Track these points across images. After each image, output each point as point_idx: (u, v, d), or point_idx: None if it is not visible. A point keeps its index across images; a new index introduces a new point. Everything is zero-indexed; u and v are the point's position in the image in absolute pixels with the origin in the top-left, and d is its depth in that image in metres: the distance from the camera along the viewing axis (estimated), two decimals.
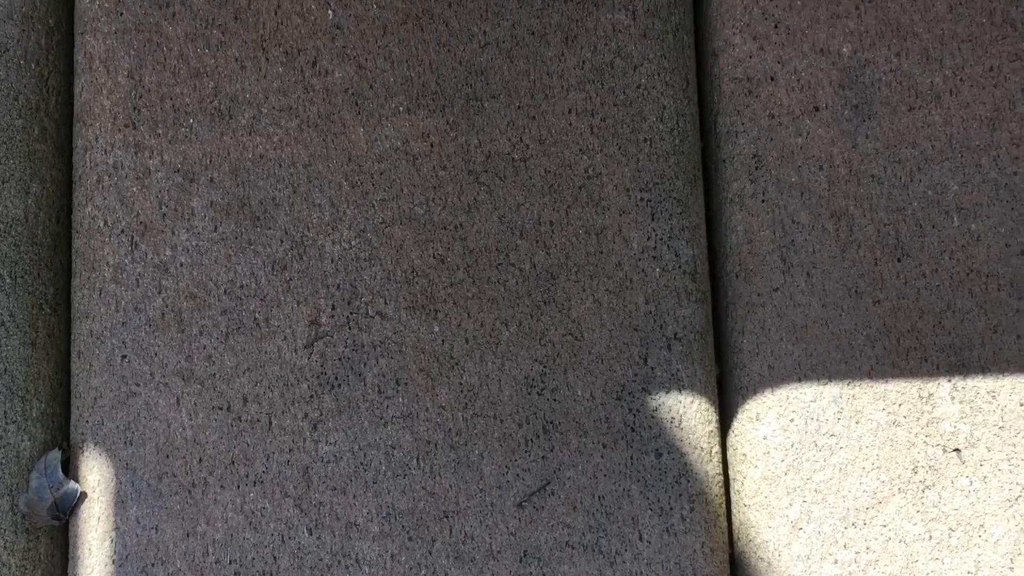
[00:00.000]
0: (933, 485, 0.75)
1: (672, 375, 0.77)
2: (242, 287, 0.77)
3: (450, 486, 0.75)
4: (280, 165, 0.78)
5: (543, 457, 0.75)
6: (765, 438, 0.76)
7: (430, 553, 0.74)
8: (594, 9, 0.80)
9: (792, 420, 0.76)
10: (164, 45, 0.79)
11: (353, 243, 0.77)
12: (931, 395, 0.76)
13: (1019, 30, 0.79)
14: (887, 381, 0.76)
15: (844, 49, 0.79)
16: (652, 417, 0.76)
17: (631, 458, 0.76)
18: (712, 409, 0.77)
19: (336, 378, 0.76)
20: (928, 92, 0.79)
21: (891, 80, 0.79)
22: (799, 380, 0.76)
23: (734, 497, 0.77)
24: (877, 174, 0.78)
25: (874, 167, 0.78)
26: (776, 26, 0.80)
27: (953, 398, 0.76)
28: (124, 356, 0.76)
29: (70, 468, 0.76)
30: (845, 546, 0.74)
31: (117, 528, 0.74)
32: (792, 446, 0.76)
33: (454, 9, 0.80)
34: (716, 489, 0.76)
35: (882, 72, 0.79)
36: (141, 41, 0.79)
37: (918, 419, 0.76)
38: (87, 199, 0.78)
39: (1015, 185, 0.78)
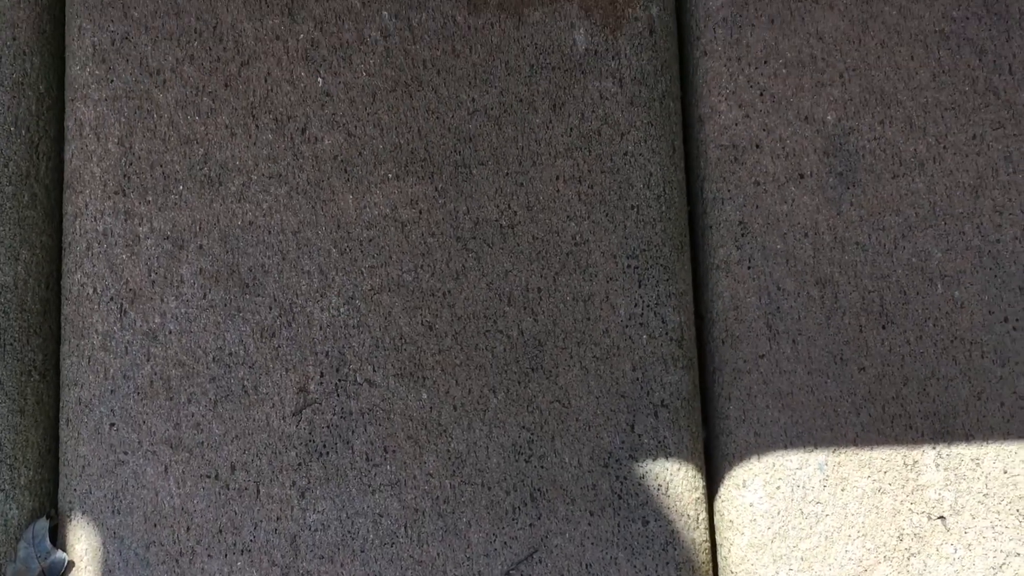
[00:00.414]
0: (918, 553, 0.75)
1: (659, 442, 0.77)
2: (231, 354, 0.77)
3: (438, 554, 0.75)
4: (269, 232, 0.79)
5: (530, 525, 0.76)
6: (751, 505, 0.76)
7: None
8: (581, 77, 0.81)
9: (778, 487, 0.76)
10: (154, 112, 0.80)
11: (342, 310, 0.78)
12: (916, 462, 0.76)
13: (1002, 98, 0.80)
14: (872, 448, 0.77)
15: (829, 117, 0.80)
16: (639, 484, 0.76)
17: (618, 526, 0.76)
18: (699, 476, 0.78)
19: (324, 446, 0.76)
20: (912, 160, 0.80)
21: (875, 148, 0.80)
22: (785, 447, 0.77)
23: (721, 564, 0.78)
24: (862, 241, 0.79)
25: (859, 234, 0.79)
26: (761, 94, 0.81)
27: (938, 465, 0.76)
28: (112, 424, 0.76)
29: (58, 537, 0.76)
30: None
31: None
32: (778, 513, 0.76)
33: (443, 76, 0.80)
34: (703, 556, 0.77)
35: (866, 140, 0.80)
36: (131, 108, 0.80)
37: (903, 486, 0.76)
38: (76, 266, 0.78)
39: (998, 252, 0.79)
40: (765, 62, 0.81)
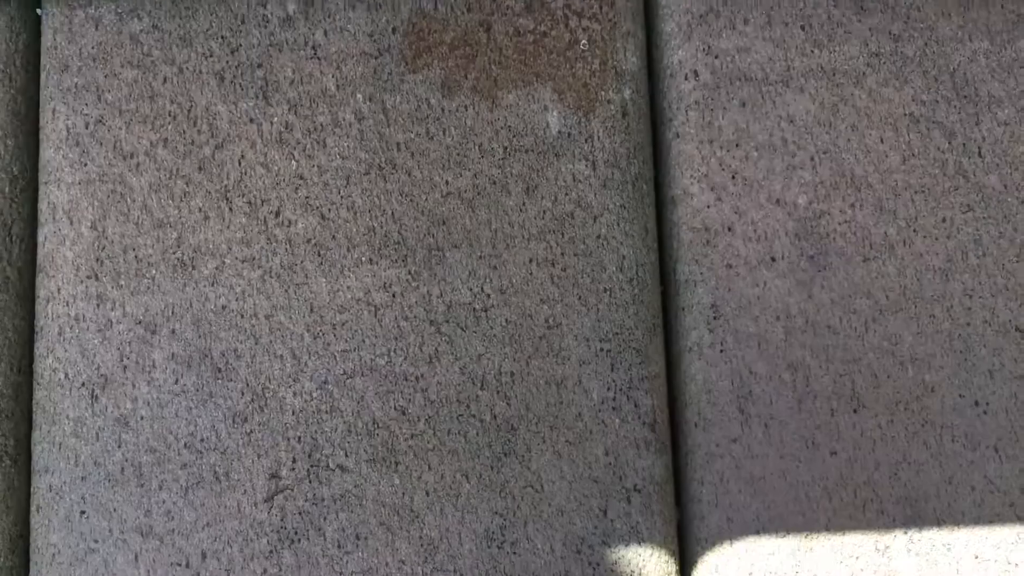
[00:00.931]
0: None
1: (632, 527, 0.77)
2: (202, 440, 0.77)
3: None
4: (242, 316, 0.79)
5: None
6: None
7: None
8: (555, 159, 0.81)
9: (751, 573, 0.76)
10: (128, 196, 0.80)
11: (314, 395, 0.78)
12: (887, 547, 0.77)
13: (971, 181, 0.81)
14: (844, 533, 0.77)
15: (800, 200, 0.81)
16: (612, 571, 0.76)
17: None
18: (672, 560, 0.78)
19: (296, 532, 0.76)
20: (882, 243, 0.80)
21: (846, 231, 0.80)
22: (757, 532, 0.77)
23: None
24: (833, 324, 0.79)
25: (830, 317, 0.79)
26: (733, 177, 0.81)
27: (909, 551, 0.77)
28: (83, 512, 0.76)
29: None
30: None
31: None
32: None
33: (416, 159, 0.81)
34: None
35: (837, 223, 0.81)
36: (105, 192, 0.80)
37: (875, 572, 0.76)
38: (48, 351, 0.78)
39: (968, 336, 0.79)
40: (737, 145, 0.81)
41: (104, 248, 0.79)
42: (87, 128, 0.80)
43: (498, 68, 0.82)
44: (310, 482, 0.77)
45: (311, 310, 0.79)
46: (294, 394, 0.78)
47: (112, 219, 0.79)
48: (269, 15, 0.82)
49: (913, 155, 0.82)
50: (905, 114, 0.82)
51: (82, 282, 0.79)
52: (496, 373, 0.79)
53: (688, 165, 0.82)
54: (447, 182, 0.81)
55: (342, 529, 0.76)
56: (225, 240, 0.79)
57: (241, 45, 0.82)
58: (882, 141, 0.82)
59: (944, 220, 0.81)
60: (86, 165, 0.80)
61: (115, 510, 0.76)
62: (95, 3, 0.82)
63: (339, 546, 0.76)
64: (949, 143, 0.82)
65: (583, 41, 0.83)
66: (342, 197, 0.80)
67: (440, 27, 0.82)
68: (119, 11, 0.82)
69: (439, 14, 0.83)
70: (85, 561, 0.75)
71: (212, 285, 0.79)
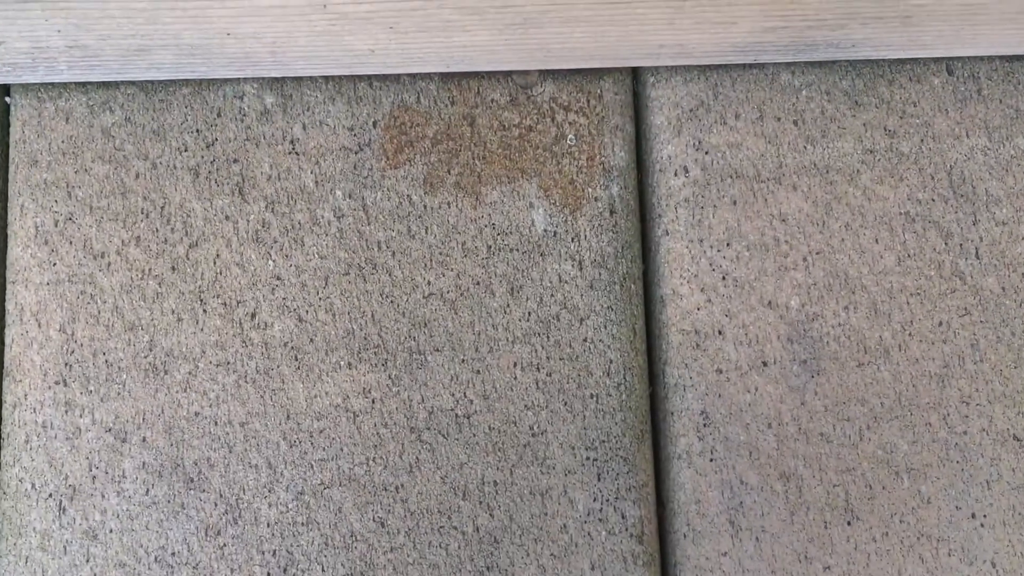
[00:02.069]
0: None
1: None
2: (174, 554, 0.74)
3: None
4: (216, 423, 0.76)
5: None
6: None
7: None
8: (540, 259, 0.79)
9: None
10: (98, 297, 0.77)
11: (290, 506, 0.75)
12: None
13: (968, 283, 0.79)
14: None
15: (792, 302, 0.79)
16: None
17: None
18: None
19: None
20: (877, 347, 0.78)
21: (839, 335, 0.78)
22: None
23: None
24: (826, 432, 0.77)
25: (823, 425, 0.77)
26: (724, 278, 0.79)
27: None
28: None
29: None
30: None
31: None
32: None
33: (397, 259, 0.78)
34: None
35: (830, 326, 0.78)
36: (74, 293, 0.77)
37: None
38: (15, 460, 0.75)
39: (965, 445, 0.77)
40: (728, 244, 0.79)
41: (73, 352, 0.76)
42: (56, 226, 0.78)
43: (482, 163, 0.80)
44: None
45: (287, 417, 0.76)
46: (269, 505, 0.75)
47: (81, 322, 0.77)
48: (246, 108, 0.80)
49: (909, 256, 0.79)
50: (900, 213, 0.80)
51: (50, 388, 0.76)
52: (479, 483, 0.76)
53: (677, 264, 0.79)
54: (429, 282, 0.78)
55: None
56: (199, 343, 0.77)
57: (217, 139, 0.79)
58: (877, 241, 0.79)
59: (940, 324, 0.79)
60: (55, 265, 0.77)
61: None
62: (65, 95, 0.79)
63: None
64: (946, 243, 0.79)
65: (570, 136, 0.80)
66: (320, 299, 0.78)
67: (422, 120, 0.80)
68: (91, 103, 0.79)
69: (421, 107, 0.80)
70: None
71: (185, 391, 0.76)
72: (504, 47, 0.75)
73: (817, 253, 0.79)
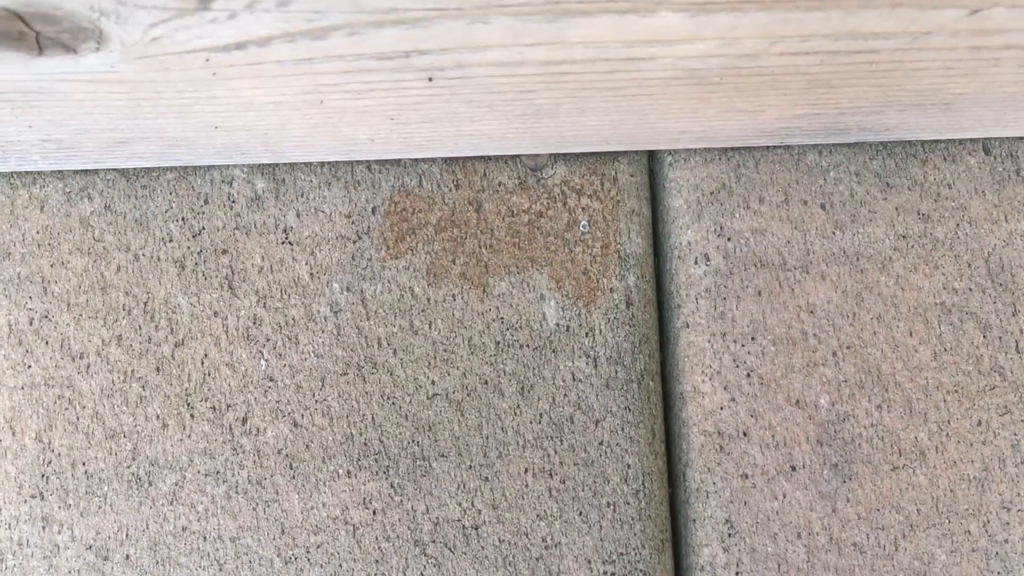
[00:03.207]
0: None
1: None
2: None
3: None
4: (205, 539, 0.70)
5: None
6: None
7: None
8: (552, 356, 0.73)
9: None
10: (77, 402, 0.71)
11: None
12: None
13: (1008, 379, 0.74)
14: None
15: (822, 401, 0.73)
16: None
17: None
18: None
19: None
20: (912, 450, 0.73)
21: (872, 436, 0.73)
22: None
23: None
24: (859, 542, 0.72)
25: (856, 534, 0.72)
26: (748, 375, 0.74)
27: None
28: None
29: None
30: None
31: None
32: None
33: (399, 357, 0.73)
34: None
35: (863, 427, 0.73)
36: (51, 398, 0.71)
37: None
38: None
39: (1006, 554, 0.72)
40: (752, 339, 0.74)
41: (50, 462, 0.71)
42: (31, 325, 0.72)
43: (489, 252, 0.74)
44: None
45: (282, 531, 0.71)
46: None
47: (59, 429, 0.71)
48: (235, 194, 0.74)
49: (945, 350, 0.74)
50: (936, 303, 0.75)
51: (26, 502, 0.70)
52: None
53: (699, 360, 0.74)
54: (433, 382, 0.73)
55: None
56: (186, 451, 0.71)
57: (204, 228, 0.74)
58: (911, 334, 0.74)
59: (979, 423, 0.74)
60: (30, 367, 0.72)
61: None
62: (40, 181, 0.74)
63: None
64: (984, 336, 0.74)
65: (583, 222, 0.75)
66: (316, 401, 0.72)
67: (425, 206, 0.75)
68: (67, 191, 0.74)
69: (424, 192, 0.75)
70: None
71: (171, 503, 0.71)
72: (515, 134, 0.69)
73: (848, 347, 0.74)
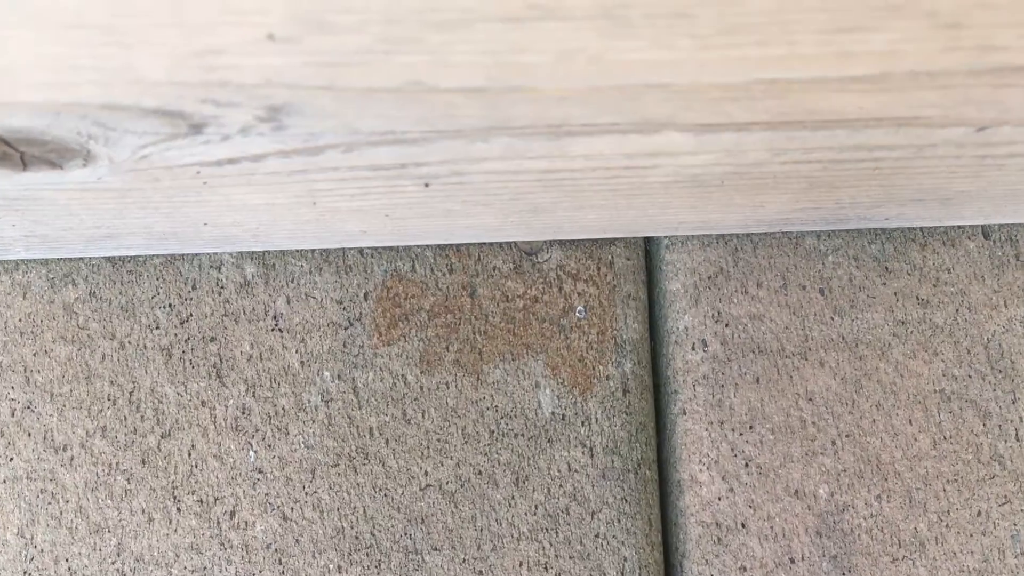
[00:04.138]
0: None
1: None
2: None
3: None
4: None
5: None
6: None
7: None
8: (547, 446, 0.72)
9: None
10: (60, 496, 0.70)
11: None
12: None
13: (1008, 469, 0.73)
14: None
15: (821, 491, 0.73)
16: None
17: None
18: None
19: None
20: (912, 541, 0.72)
21: (871, 527, 0.72)
22: None
23: None
24: None
25: None
26: (747, 464, 0.73)
27: None
28: None
29: None
30: None
31: None
32: None
33: (392, 447, 0.72)
34: None
35: (862, 518, 0.72)
36: (33, 492, 0.70)
37: None
38: None
39: None
40: (750, 427, 0.73)
41: (32, 559, 0.69)
42: (13, 416, 0.70)
43: (484, 339, 0.73)
44: None
45: None
46: None
47: (42, 524, 0.69)
48: (224, 280, 0.73)
49: (944, 439, 0.74)
50: (935, 391, 0.74)
51: None
52: None
53: (696, 448, 0.73)
54: (426, 473, 0.71)
55: None
56: (172, 547, 0.69)
57: (192, 315, 0.72)
58: (911, 422, 0.74)
59: (979, 514, 0.73)
60: (12, 460, 0.70)
61: None
62: (23, 267, 0.72)
63: None
64: (984, 425, 0.74)
65: (579, 308, 0.74)
66: (306, 494, 0.71)
67: (418, 291, 0.73)
68: (51, 276, 0.72)
69: (417, 276, 0.73)
70: None
71: None
72: (511, 227, 0.68)
73: (847, 436, 0.73)
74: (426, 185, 0.57)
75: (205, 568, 0.69)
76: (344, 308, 0.73)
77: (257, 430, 0.71)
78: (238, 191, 0.56)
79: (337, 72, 0.41)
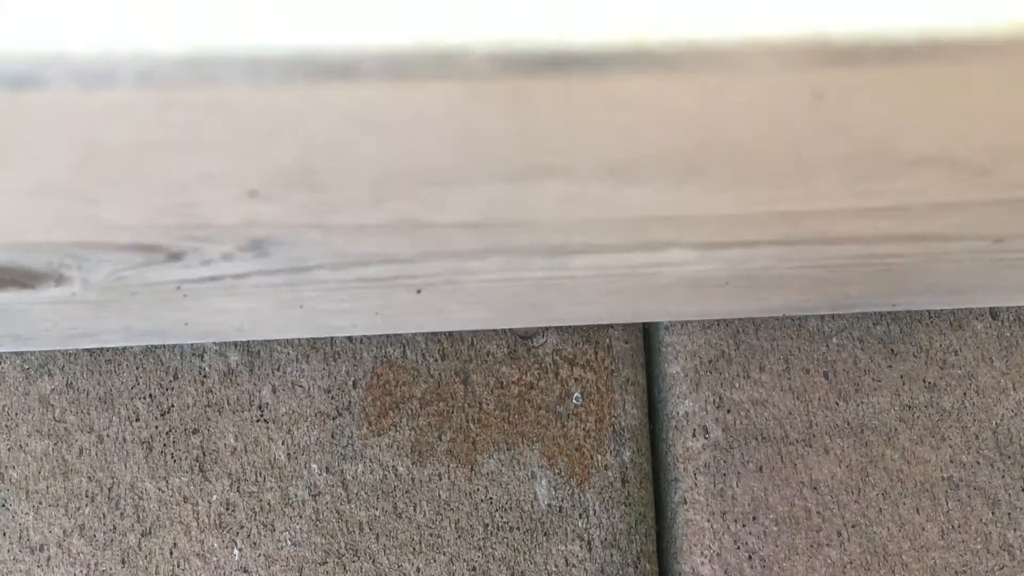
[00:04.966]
0: None
1: None
2: None
3: None
4: None
5: None
6: None
7: None
8: (544, 539, 0.70)
9: None
10: None
11: None
12: None
13: (1017, 558, 0.71)
14: None
15: None
16: None
17: None
18: None
19: None
20: None
21: None
22: None
23: None
24: None
25: None
26: (750, 557, 0.70)
27: None
28: None
29: None
30: None
31: None
32: None
33: (382, 542, 0.69)
34: None
35: None
36: None
37: None
38: None
39: None
40: (753, 518, 0.71)
41: None
42: None
43: (477, 427, 0.70)
44: None
45: None
46: None
47: None
48: (207, 368, 0.70)
49: (952, 527, 0.71)
50: (943, 478, 0.72)
51: None
52: None
53: (697, 540, 0.71)
54: (418, 569, 0.69)
55: None
56: None
57: (173, 406, 0.69)
58: (918, 511, 0.71)
59: None
60: None
61: None
62: None
63: None
64: (992, 513, 0.72)
65: (576, 394, 0.71)
66: None
67: (409, 378, 0.71)
68: (26, 367, 0.69)
69: (408, 363, 0.71)
70: None
71: None
72: (506, 319, 0.66)
73: (853, 526, 0.71)
74: (418, 292, 0.55)
75: None
76: (332, 397, 0.70)
77: (242, 527, 0.68)
78: (220, 300, 0.54)
79: (325, 215, 0.38)
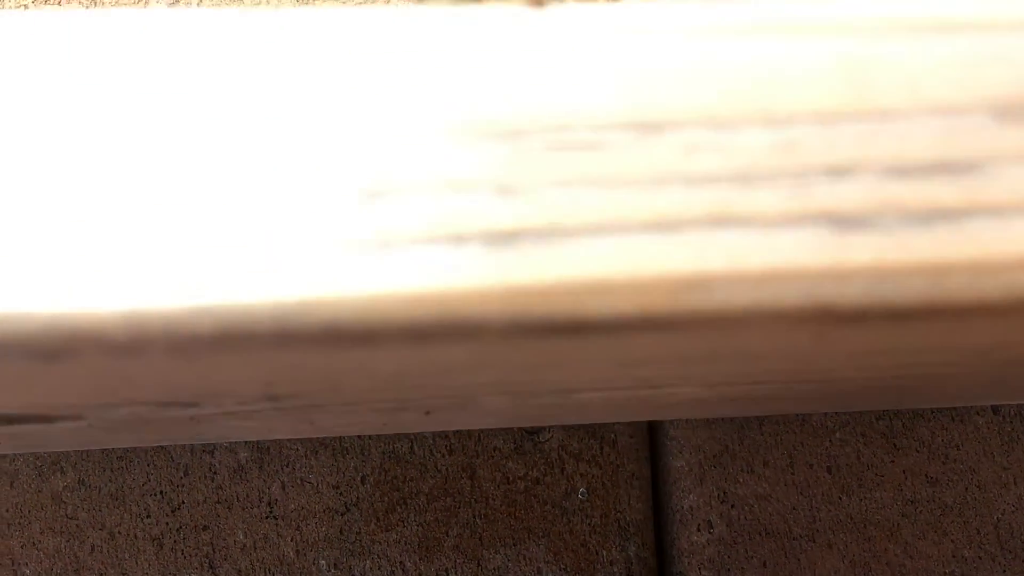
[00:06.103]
0: None
1: None
2: None
3: None
4: None
5: None
6: None
7: None
8: None
9: None
10: None
11: None
12: None
13: None
14: None
15: None
16: None
17: None
18: None
19: None
20: None
21: None
22: None
23: None
24: None
25: None
26: None
27: None
28: None
29: None
30: None
31: None
32: None
33: None
34: None
35: None
36: None
37: None
38: None
39: None
40: None
41: None
42: None
43: (484, 522, 0.71)
44: None
45: None
46: None
47: None
48: (217, 465, 0.71)
49: None
50: (945, 573, 0.72)
51: None
52: None
53: None
54: None
55: None
56: None
57: (184, 503, 0.70)
58: None
59: None
60: None
61: None
62: (9, 455, 0.70)
63: None
64: None
65: (582, 489, 0.72)
66: None
67: (417, 474, 0.71)
68: (39, 465, 0.70)
69: (415, 458, 0.72)
70: None
71: None
72: (511, 419, 0.67)
73: None
74: (427, 413, 0.56)
75: None
76: (341, 493, 0.71)
77: None
78: (232, 425, 0.54)
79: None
